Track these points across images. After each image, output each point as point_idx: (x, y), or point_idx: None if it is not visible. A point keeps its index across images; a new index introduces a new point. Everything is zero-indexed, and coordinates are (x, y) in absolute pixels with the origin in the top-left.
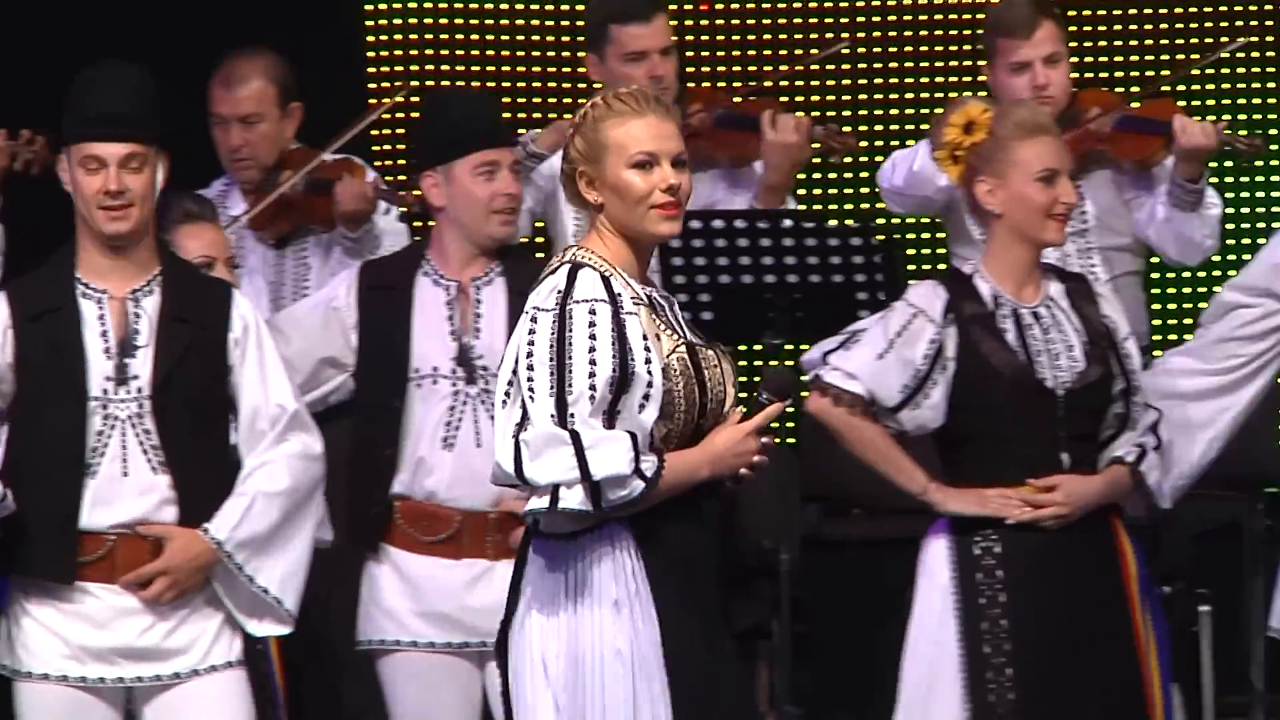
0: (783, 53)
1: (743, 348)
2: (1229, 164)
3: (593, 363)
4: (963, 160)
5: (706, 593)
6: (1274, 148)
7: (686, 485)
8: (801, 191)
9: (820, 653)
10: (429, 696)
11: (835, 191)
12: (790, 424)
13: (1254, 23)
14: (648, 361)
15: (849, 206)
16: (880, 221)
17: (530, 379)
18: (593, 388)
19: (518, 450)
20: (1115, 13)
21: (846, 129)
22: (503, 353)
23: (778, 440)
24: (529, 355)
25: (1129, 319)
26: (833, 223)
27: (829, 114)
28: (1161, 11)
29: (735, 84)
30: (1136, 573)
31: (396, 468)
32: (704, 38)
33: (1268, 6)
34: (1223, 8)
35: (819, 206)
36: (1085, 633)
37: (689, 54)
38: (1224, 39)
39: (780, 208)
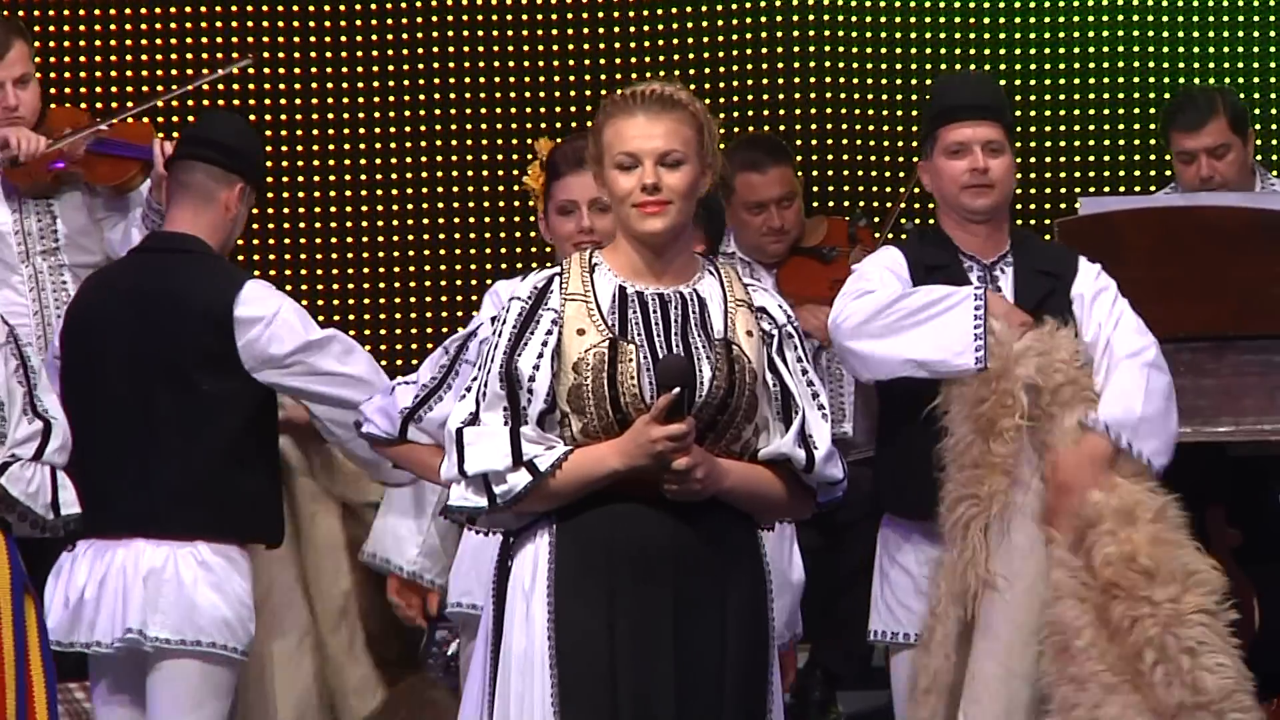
0: None
1: None
2: None
3: (491, 359)
4: None
5: (641, 593)
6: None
7: (595, 476)
8: None
9: None
10: None
11: None
12: None
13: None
14: (539, 356)
15: None
16: None
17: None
18: (487, 384)
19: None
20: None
21: None
22: None
23: None
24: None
25: None
26: None
27: None
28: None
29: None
30: None
31: None
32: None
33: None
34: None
35: None
36: None
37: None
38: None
39: None
